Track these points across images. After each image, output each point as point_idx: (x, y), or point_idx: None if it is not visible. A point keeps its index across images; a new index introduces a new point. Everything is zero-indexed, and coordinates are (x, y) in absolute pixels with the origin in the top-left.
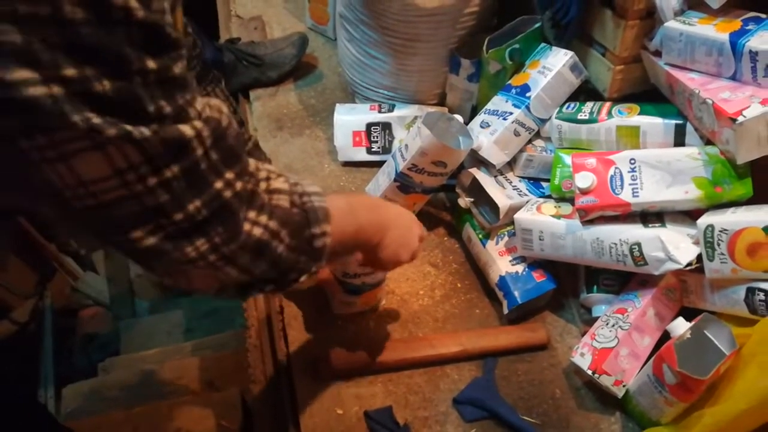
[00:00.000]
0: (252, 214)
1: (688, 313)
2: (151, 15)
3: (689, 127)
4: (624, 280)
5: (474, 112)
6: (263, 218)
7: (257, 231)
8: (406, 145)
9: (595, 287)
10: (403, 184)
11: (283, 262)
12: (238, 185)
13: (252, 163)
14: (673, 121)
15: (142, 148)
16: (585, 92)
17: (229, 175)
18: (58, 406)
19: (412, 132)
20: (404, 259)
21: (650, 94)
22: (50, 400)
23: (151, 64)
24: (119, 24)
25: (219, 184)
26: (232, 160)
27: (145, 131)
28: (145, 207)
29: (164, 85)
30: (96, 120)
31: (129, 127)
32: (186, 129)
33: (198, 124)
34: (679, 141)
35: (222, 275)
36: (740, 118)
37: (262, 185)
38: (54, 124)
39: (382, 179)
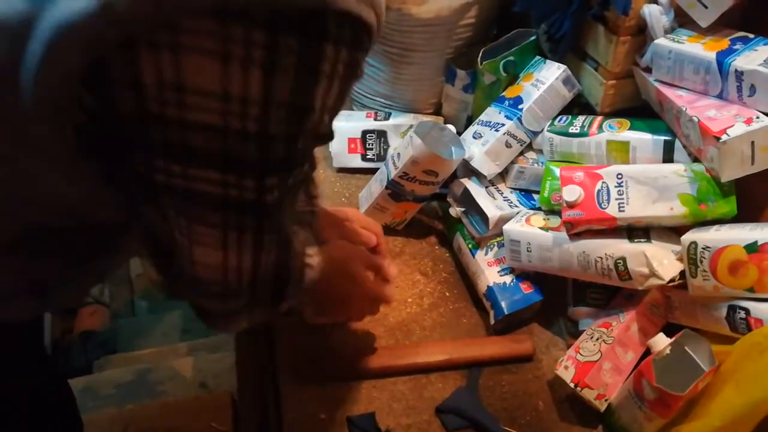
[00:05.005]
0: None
1: (673, 330)
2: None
3: (678, 144)
4: (611, 294)
5: (469, 122)
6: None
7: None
8: (399, 154)
9: (582, 301)
10: (394, 191)
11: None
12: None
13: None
14: (663, 138)
15: (269, 83)
16: (578, 106)
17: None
18: None
19: (404, 141)
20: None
21: (642, 110)
22: None
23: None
24: None
25: (300, 171)
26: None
27: (290, 60)
28: (226, 149)
29: None
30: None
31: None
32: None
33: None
34: (668, 157)
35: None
36: (724, 137)
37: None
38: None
39: (375, 186)
